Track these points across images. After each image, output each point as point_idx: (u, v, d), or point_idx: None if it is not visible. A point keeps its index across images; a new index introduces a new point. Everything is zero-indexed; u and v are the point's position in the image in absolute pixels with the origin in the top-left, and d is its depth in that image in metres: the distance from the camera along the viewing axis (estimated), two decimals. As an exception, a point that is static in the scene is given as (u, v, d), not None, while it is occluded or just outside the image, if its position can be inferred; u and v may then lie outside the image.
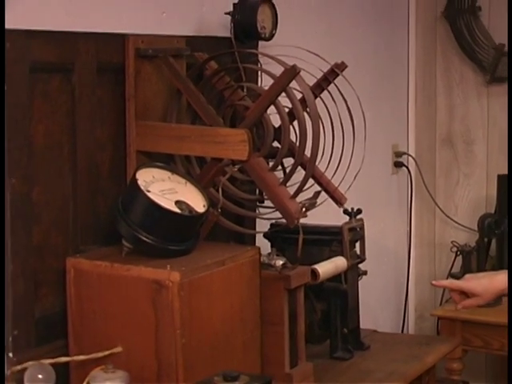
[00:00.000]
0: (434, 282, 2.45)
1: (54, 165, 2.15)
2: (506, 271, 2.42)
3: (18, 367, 1.96)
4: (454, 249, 3.49)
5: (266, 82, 2.31)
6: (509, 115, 3.59)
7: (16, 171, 2.02)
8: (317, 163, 2.25)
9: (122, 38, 2.25)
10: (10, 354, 2.03)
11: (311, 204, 2.22)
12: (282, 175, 2.27)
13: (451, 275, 3.56)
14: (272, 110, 2.23)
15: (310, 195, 2.25)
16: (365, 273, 2.60)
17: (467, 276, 2.36)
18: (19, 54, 2.00)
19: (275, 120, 2.27)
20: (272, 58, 2.22)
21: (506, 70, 3.70)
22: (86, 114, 2.19)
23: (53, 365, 1.95)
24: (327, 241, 2.49)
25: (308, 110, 2.22)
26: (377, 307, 3.48)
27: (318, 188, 2.34)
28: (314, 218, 2.32)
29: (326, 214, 2.41)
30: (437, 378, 2.70)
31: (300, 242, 2.24)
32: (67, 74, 2.16)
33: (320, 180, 2.35)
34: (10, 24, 1.99)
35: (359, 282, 2.59)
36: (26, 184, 2.05)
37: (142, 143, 2.27)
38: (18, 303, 2.05)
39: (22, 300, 2.06)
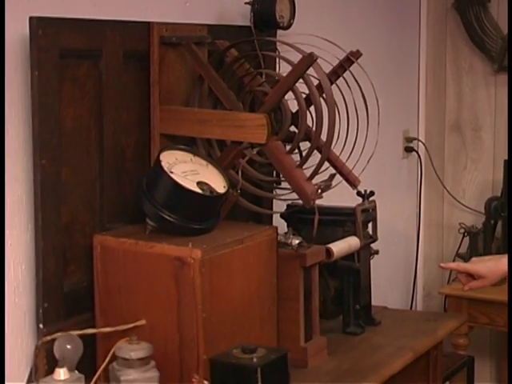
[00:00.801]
0: (441, 265, 2.45)
1: (82, 147, 2.15)
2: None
3: (48, 338, 1.99)
4: (462, 230, 3.49)
5: (284, 69, 2.30)
6: (509, 104, 3.56)
7: (46, 153, 2.03)
8: (332, 147, 2.23)
9: (147, 26, 2.24)
10: (41, 326, 2.05)
11: (326, 186, 2.22)
12: (299, 158, 2.26)
13: (458, 255, 3.55)
14: (290, 95, 2.22)
15: (326, 177, 2.26)
16: (376, 252, 2.60)
17: (473, 259, 2.38)
18: (50, 41, 2.00)
19: (293, 105, 2.26)
20: (290, 45, 2.21)
21: (513, 60, 3.69)
22: (112, 99, 2.19)
23: (80, 336, 1.96)
24: (341, 221, 2.49)
25: (324, 96, 2.21)
26: (387, 285, 3.47)
27: (333, 171, 2.33)
28: (328, 200, 2.31)
29: (340, 196, 2.40)
30: (444, 352, 2.69)
31: (315, 222, 2.24)
32: (95, 61, 2.15)
33: (335, 163, 2.34)
34: (40, 12, 2.00)
35: (371, 261, 2.58)
36: (55, 165, 2.05)
37: (165, 127, 2.26)
38: (47, 278, 2.06)
39: (51, 275, 2.07)
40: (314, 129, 2.21)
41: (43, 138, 2.02)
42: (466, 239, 3.49)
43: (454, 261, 3.55)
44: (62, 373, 1.88)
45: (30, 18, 1.96)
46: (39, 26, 1.97)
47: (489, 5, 3.70)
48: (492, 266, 2.25)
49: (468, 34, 3.77)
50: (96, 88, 2.16)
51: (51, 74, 2.02)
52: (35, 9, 2.01)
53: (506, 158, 3.52)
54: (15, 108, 2.03)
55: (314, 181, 2.20)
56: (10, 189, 2.04)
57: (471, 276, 2.29)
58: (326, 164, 2.27)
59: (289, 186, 2.24)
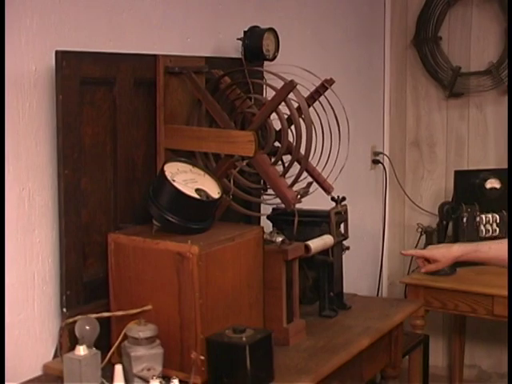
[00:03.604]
0: (402, 252, 2.49)
1: (99, 159, 2.13)
2: (459, 243, 2.44)
3: (70, 320, 1.98)
4: (419, 229, 3.47)
5: (269, 94, 2.29)
6: (509, 116, 3.55)
7: (68, 165, 2.01)
8: (309, 159, 2.22)
9: (154, 58, 2.22)
10: (64, 310, 2.04)
11: (305, 192, 2.21)
12: (282, 169, 2.25)
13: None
14: (274, 116, 2.21)
15: (304, 185, 2.24)
16: (348, 248, 2.58)
17: (429, 246, 2.43)
18: (72, 70, 1.99)
19: (276, 124, 2.24)
20: (274, 74, 2.20)
21: (462, 88, 3.70)
22: (124, 119, 2.18)
23: (97, 318, 1.95)
24: (318, 222, 2.46)
25: (303, 116, 2.20)
26: (357, 276, 3.46)
27: (311, 179, 2.31)
28: (307, 204, 2.30)
29: (316, 201, 2.38)
30: (404, 331, 2.67)
31: (296, 223, 2.25)
32: (110, 87, 2.14)
33: (312, 173, 2.33)
34: (64, 46, 1.99)
35: (343, 256, 2.56)
36: (76, 175, 2.04)
37: (169, 142, 2.24)
38: (69, 270, 2.05)
39: (73, 267, 2.06)
40: (294, 144, 2.20)
41: (66, 152, 2.00)
42: (423, 237, 3.47)
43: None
44: (81, 349, 1.86)
45: (56, 52, 1.96)
46: (63, 58, 1.96)
47: (441, 42, 3.72)
48: (445, 251, 2.27)
49: (424, 66, 3.78)
50: (111, 110, 2.14)
51: (73, 98, 2.01)
52: (60, 44, 2.00)
53: (456, 169, 3.50)
54: (43, 127, 2.02)
55: (295, 188, 2.18)
56: (39, 195, 2.03)
57: (427, 260, 2.30)
58: (305, 174, 2.25)
59: (273, 193, 2.22)
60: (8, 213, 1.95)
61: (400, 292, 3.67)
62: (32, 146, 2.00)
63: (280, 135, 2.23)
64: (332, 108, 2.31)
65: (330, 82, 2.33)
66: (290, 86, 2.10)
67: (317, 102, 2.35)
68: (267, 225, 2.46)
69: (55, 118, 2.00)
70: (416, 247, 3.59)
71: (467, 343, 3.85)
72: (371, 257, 3.76)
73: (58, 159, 2.00)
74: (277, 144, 2.26)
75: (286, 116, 2.23)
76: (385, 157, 3.81)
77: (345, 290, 2.57)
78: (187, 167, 2.10)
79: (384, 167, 3.79)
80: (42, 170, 2.03)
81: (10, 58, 1.92)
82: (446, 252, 2.25)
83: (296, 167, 2.21)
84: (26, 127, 1.98)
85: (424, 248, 3.04)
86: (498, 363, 3.82)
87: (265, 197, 2.38)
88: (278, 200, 2.23)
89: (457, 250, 2.25)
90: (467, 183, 3.40)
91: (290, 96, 2.14)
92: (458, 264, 2.54)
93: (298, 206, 2.20)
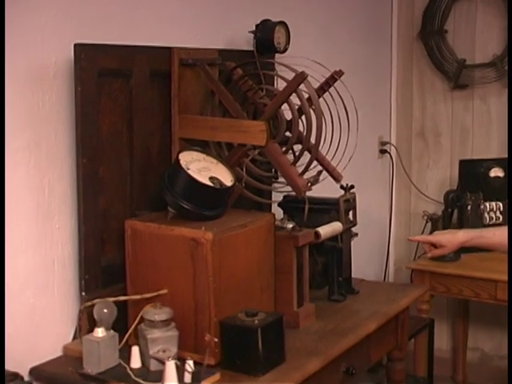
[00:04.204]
0: (410, 238, 2.46)
1: (116, 149, 2.12)
2: (465, 229, 2.42)
3: (89, 303, 1.98)
4: (425, 217, 3.46)
5: (280, 85, 2.27)
6: (509, 110, 3.52)
7: (87, 153, 2.01)
8: (319, 148, 2.21)
9: (169, 50, 2.21)
10: (83, 293, 2.04)
11: (315, 180, 2.20)
12: (293, 157, 2.24)
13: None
14: (285, 106, 2.19)
15: (314, 173, 2.23)
16: (356, 235, 2.57)
17: (435, 232, 2.40)
18: (90, 62, 1.98)
19: (287, 114, 2.23)
20: (285, 66, 2.19)
21: (466, 79, 3.67)
22: (140, 109, 2.16)
23: (115, 302, 1.95)
24: (327, 209, 2.45)
25: (313, 107, 2.19)
26: (364, 261, 3.44)
27: (320, 168, 2.30)
28: (317, 191, 2.28)
29: (326, 189, 2.36)
30: (410, 315, 2.66)
31: (306, 210, 2.24)
32: (126, 78, 2.13)
33: (322, 162, 2.31)
34: (83, 39, 1.98)
35: (351, 242, 2.55)
36: (94, 163, 2.03)
37: (183, 132, 2.23)
38: (88, 255, 2.05)
39: (91, 253, 2.05)
40: (304, 133, 2.19)
41: (84, 141, 2.00)
42: (429, 224, 3.46)
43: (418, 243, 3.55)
44: (100, 331, 1.88)
45: (75, 45, 1.95)
46: (82, 50, 1.95)
47: (446, 35, 3.69)
48: (450, 237, 2.25)
49: (430, 59, 3.75)
50: (127, 100, 2.13)
51: (91, 89, 2.00)
52: (79, 37, 1.99)
53: (461, 158, 3.49)
54: (62, 118, 2.02)
55: (305, 176, 2.17)
56: (59, 183, 2.03)
57: (433, 246, 2.28)
58: (315, 162, 2.24)
59: (284, 181, 2.21)
60: (29, 201, 1.95)
61: (406, 277, 3.66)
62: (52, 136, 1.99)
63: (291, 125, 2.22)
64: (341, 99, 2.30)
65: (340, 73, 2.31)
66: (301, 77, 2.08)
67: (326, 93, 2.33)
68: (278, 212, 2.45)
69: (74, 108, 1.99)
70: (422, 234, 3.58)
71: (470, 327, 3.85)
72: (378, 243, 3.75)
73: (77, 149, 2.00)
74: (288, 134, 2.25)
75: (296, 106, 2.21)
76: (392, 146, 3.78)
77: (353, 275, 2.56)
78: (201, 156, 2.09)
79: (391, 157, 3.77)
80: (62, 159, 2.02)
81: (31, 50, 1.91)
82: (452, 237, 2.23)
83: (306, 156, 2.20)
84: (45, 118, 1.97)
85: (430, 234, 3.04)
86: (500, 346, 3.81)
87: (276, 185, 2.37)
88: (288, 188, 2.22)
89: (462, 236, 2.23)
90: (472, 172, 3.39)
91: (300, 87, 2.13)
92: (462, 250, 2.52)
93: (308, 193, 2.19)
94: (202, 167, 2.03)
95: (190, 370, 1.78)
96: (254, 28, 2.46)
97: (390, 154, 3.76)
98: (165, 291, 1.96)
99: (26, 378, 1.86)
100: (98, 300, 1.95)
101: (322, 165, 2.31)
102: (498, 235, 2.18)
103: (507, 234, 2.13)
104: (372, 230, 3.63)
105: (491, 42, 3.62)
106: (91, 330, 1.91)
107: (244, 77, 2.31)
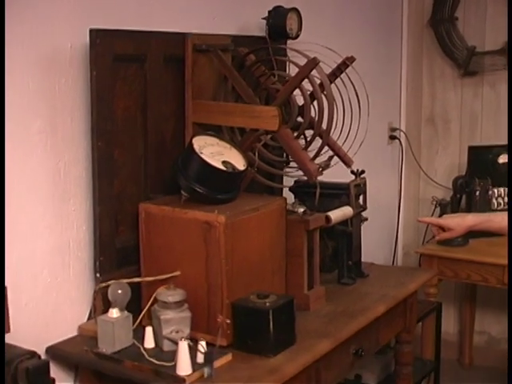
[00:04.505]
0: (419, 219, 2.42)
1: (130, 132, 2.12)
2: (473, 213, 2.40)
3: (103, 284, 1.97)
4: (434, 202, 3.43)
5: (292, 71, 2.26)
6: (509, 100, 3.50)
7: (102, 137, 2.00)
8: (331, 134, 2.20)
9: (183, 36, 2.19)
10: (98, 275, 2.04)
11: (326, 165, 2.19)
12: (304, 143, 2.22)
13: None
14: (297, 92, 2.18)
15: (325, 159, 2.22)
16: (366, 219, 2.56)
17: (444, 216, 2.39)
18: (106, 47, 1.97)
19: (299, 100, 2.21)
20: (297, 51, 2.17)
21: (476, 66, 3.65)
22: (154, 94, 2.15)
23: (129, 283, 1.95)
24: (338, 194, 2.44)
25: (325, 92, 2.17)
26: (374, 245, 3.42)
27: (331, 153, 2.29)
28: (327, 176, 2.27)
29: (337, 173, 2.35)
30: (418, 299, 2.66)
31: (317, 195, 2.23)
32: (141, 63, 2.12)
33: (333, 147, 2.30)
34: (98, 25, 1.97)
35: (361, 226, 2.54)
36: (109, 147, 2.03)
37: (197, 117, 2.22)
38: (103, 237, 2.04)
39: (106, 235, 2.05)
40: (316, 119, 2.17)
41: (99, 125, 1.99)
42: (437, 209, 3.44)
43: (428, 226, 3.54)
44: (114, 312, 1.88)
45: (90, 30, 1.94)
46: (97, 36, 1.94)
47: (456, 22, 3.66)
48: (459, 220, 2.23)
49: (440, 46, 3.73)
50: (142, 85, 2.12)
51: (106, 74, 1.99)
52: (94, 22, 1.98)
53: (470, 145, 3.46)
54: (78, 102, 2.01)
55: (316, 161, 2.16)
56: (75, 166, 2.03)
57: (442, 229, 2.26)
58: (326, 148, 2.23)
59: (296, 166, 2.20)
60: (45, 183, 1.95)
61: (414, 261, 3.65)
62: (67, 119, 1.99)
63: (303, 110, 2.20)
64: (353, 85, 2.28)
65: (351, 59, 2.29)
66: (313, 63, 2.06)
67: (338, 79, 2.31)
68: (289, 196, 2.44)
69: (89, 93, 1.98)
70: (431, 218, 3.57)
71: (478, 311, 3.84)
72: (387, 228, 3.74)
73: (92, 132, 1.99)
74: (299, 119, 2.23)
75: (308, 92, 2.20)
76: (401, 133, 3.76)
77: (362, 259, 2.55)
78: (214, 140, 2.08)
79: (400, 143, 3.74)
80: (77, 142, 2.02)
81: (47, 35, 1.90)
82: (461, 221, 2.22)
83: (318, 141, 2.19)
84: (61, 102, 1.97)
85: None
86: (506, 329, 3.80)
87: (287, 169, 2.36)
88: (300, 172, 2.21)
89: (470, 220, 2.21)
90: (480, 158, 3.37)
91: (312, 73, 2.11)
92: (470, 235, 2.51)
93: (319, 178, 2.18)
94: (215, 151, 2.02)
95: (202, 350, 1.78)
96: (266, 14, 2.44)
97: (399, 140, 3.75)
98: (178, 273, 1.96)
99: (43, 357, 1.87)
100: (112, 281, 1.94)
101: (333, 150, 2.30)
102: (507, 220, 2.16)
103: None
104: (381, 214, 3.61)
105: (501, 29, 3.58)
106: (106, 311, 1.91)
107: (256, 63, 2.30)
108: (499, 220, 2.19)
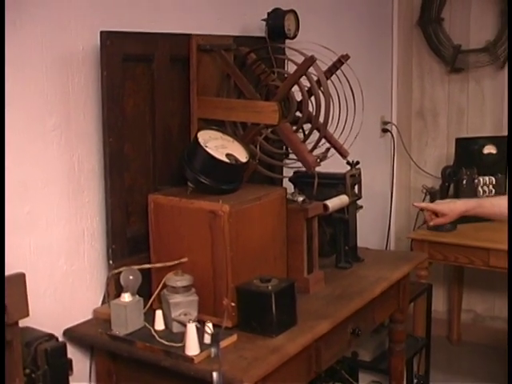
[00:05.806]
0: (414, 204, 2.35)
1: (139, 128, 2.09)
2: (462, 199, 2.35)
3: (116, 271, 1.96)
4: (424, 190, 3.41)
5: (291, 68, 2.23)
6: (509, 88, 3.45)
7: (113, 133, 1.98)
8: (327, 127, 2.17)
9: (188, 36, 2.16)
10: (111, 262, 2.03)
11: (323, 157, 2.16)
12: (303, 136, 2.20)
13: (421, 210, 3.48)
14: (295, 88, 2.15)
15: (323, 150, 2.19)
16: (361, 207, 2.53)
17: (437, 201, 2.32)
18: (116, 48, 1.94)
19: (298, 96, 2.18)
20: (295, 50, 2.14)
21: (462, 63, 3.63)
22: (161, 92, 2.12)
23: (139, 269, 1.93)
24: (335, 184, 2.41)
25: (322, 88, 2.14)
26: (368, 231, 3.41)
27: (328, 145, 2.26)
28: (325, 167, 2.24)
29: (333, 164, 2.32)
30: (410, 281, 2.63)
31: (315, 184, 2.18)
32: (149, 63, 2.09)
33: (330, 139, 2.27)
34: (108, 27, 1.95)
35: (357, 214, 2.51)
36: (119, 142, 2.00)
37: (201, 112, 2.19)
38: (115, 227, 2.02)
39: (118, 224, 2.03)
40: (313, 113, 2.14)
41: (110, 121, 1.96)
42: (427, 197, 3.42)
43: (418, 213, 3.52)
44: (126, 296, 1.86)
45: (101, 32, 1.91)
46: (108, 37, 1.91)
47: (443, 23, 3.65)
48: (452, 206, 2.19)
49: (428, 44, 3.71)
50: (149, 84, 2.09)
51: (116, 73, 1.96)
52: (105, 25, 1.95)
53: (457, 137, 3.44)
54: (90, 100, 1.99)
55: (314, 153, 2.14)
56: (87, 160, 2.00)
57: (435, 214, 2.22)
58: (323, 140, 2.20)
59: (295, 157, 2.18)
60: (61, 177, 1.93)
61: (406, 246, 3.62)
62: (80, 116, 1.96)
63: (301, 105, 2.17)
64: (348, 81, 2.25)
65: (346, 57, 2.25)
66: (310, 60, 2.04)
67: (334, 76, 2.28)
68: (289, 186, 2.42)
69: (100, 91, 1.96)
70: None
71: (465, 291, 3.83)
72: (381, 215, 3.71)
73: (103, 128, 1.97)
74: (298, 114, 2.21)
75: (306, 88, 2.17)
76: (393, 126, 3.74)
77: (358, 244, 2.53)
78: (218, 134, 2.05)
79: (392, 135, 3.72)
80: (90, 138, 1.99)
81: (61, 38, 1.88)
82: (453, 206, 2.18)
83: (315, 134, 2.16)
84: (75, 100, 1.94)
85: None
86: (491, 308, 3.80)
87: (287, 161, 2.34)
88: (299, 164, 2.18)
89: (461, 205, 2.18)
90: (467, 149, 3.35)
91: (310, 70, 2.09)
92: (459, 221, 2.47)
93: (317, 169, 2.15)
94: (219, 145, 2.00)
95: (209, 331, 1.76)
96: (266, 16, 2.41)
97: (391, 132, 3.72)
98: (185, 259, 1.94)
99: (61, 339, 1.85)
100: (124, 268, 1.93)
101: (329, 142, 2.27)
102: (497, 205, 2.14)
103: (506, 203, 2.08)
104: (375, 202, 3.60)
105: (484, 28, 3.58)
106: (118, 295, 1.90)
107: (257, 61, 2.27)
108: (488, 205, 2.16)
